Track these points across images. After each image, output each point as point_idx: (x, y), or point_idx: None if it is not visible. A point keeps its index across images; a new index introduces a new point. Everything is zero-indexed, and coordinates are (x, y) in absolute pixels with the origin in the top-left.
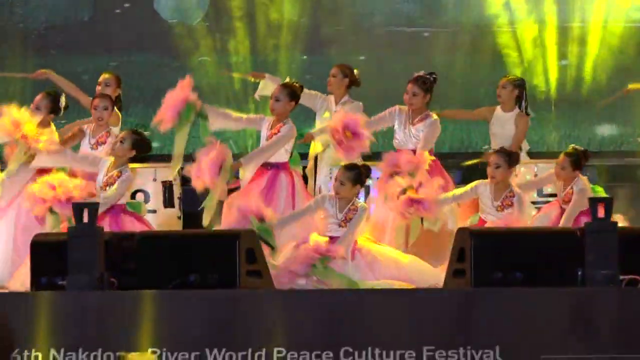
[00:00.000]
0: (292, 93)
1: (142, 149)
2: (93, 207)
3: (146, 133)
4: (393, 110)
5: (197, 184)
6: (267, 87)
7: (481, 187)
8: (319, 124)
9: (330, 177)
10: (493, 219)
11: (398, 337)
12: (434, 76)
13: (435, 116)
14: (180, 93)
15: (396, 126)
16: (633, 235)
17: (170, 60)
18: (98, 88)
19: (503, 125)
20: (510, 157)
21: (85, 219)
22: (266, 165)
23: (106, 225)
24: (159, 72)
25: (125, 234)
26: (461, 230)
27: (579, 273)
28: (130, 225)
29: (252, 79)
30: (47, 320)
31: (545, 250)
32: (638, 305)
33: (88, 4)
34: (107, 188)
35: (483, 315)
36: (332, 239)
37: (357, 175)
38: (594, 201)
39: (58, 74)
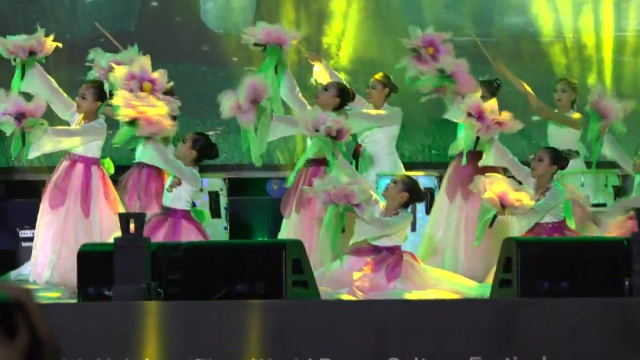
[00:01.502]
0: (342, 91)
1: (205, 151)
2: (140, 217)
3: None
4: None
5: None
6: (322, 74)
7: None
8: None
9: None
10: None
11: (444, 347)
12: (498, 82)
13: None
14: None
15: None
16: None
17: (217, 70)
18: None
19: (560, 128)
20: (556, 155)
21: (132, 229)
22: None
23: (164, 229)
24: (205, 82)
25: (172, 244)
26: (507, 240)
27: (626, 282)
28: (186, 234)
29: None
30: (94, 331)
31: (592, 260)
32: None
33: (134, 14)
34: None
35: (529, 326)
36: (377, 248)
37: (409, 185)
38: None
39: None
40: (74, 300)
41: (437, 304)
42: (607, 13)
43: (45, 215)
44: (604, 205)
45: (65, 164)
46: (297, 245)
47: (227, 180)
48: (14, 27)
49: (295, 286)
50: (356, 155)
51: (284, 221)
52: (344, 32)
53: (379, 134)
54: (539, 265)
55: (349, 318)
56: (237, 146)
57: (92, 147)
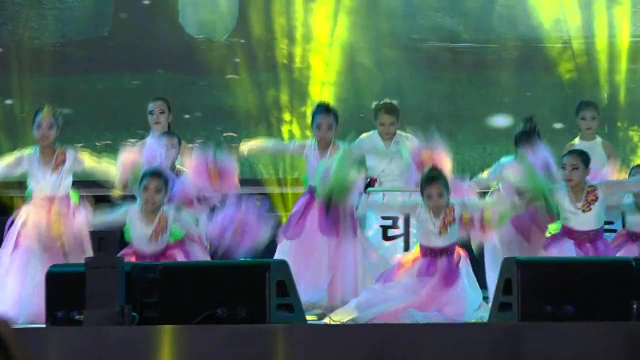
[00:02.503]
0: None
1: None
2: (112, 235)
3: None
4: None
5: None
6: None
7: (560, 193)
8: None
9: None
10: (579, 220)
11: None
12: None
13: None
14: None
15: None
16: None
17: (197, 79)
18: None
19: (592, 156)
20: (585, 157)
21: (104, 249)
22: None
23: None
24: (184, 91)
25: (148, 264)
26: (507, 260)
27: (634, 306)
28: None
29: None
30: (63, 358)
31: (598, 282)
32: None
33: (108, 18)
34: None
35: (531, 352)
36: (434, 251)
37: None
38: None
39: (76, 92)
40: (42, 325)
41: (433, 328)
42: (621, 17)
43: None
44: (611, 223)
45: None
46: (282, 266)
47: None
48: None
49: (280, 310)
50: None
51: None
52: (333, 39)
53: (396, 171)
54: (541, 287)
55: (337, 344)
56: None
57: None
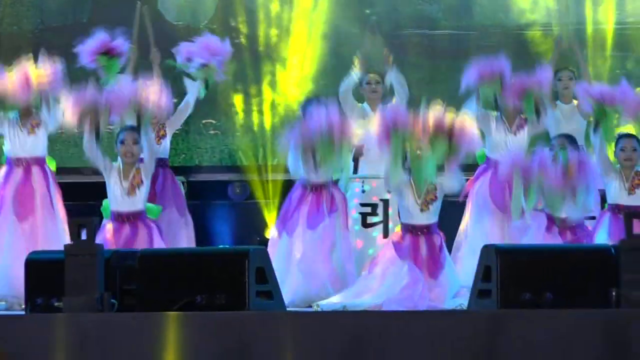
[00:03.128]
0: None
1: None
2: (92, 222)
3: None
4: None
5: None
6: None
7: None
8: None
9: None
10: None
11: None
12: None
13: None
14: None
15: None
16: None
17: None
18: None
19: (571, 118)
20: None
21: (84, 236)
22: None
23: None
24: (162, 76)
25: (128, 251)
26: (486, 248)
27: (613, 293)
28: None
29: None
30: (43, 345)
31: (577, 269)
32: None
33: (86, 4)
34: None
35: (510, 339)
36: (415, 228)
37: None
38: (628, 216)
39: None
40: (21, 312)
41: (412, 315)
42: (604, 4)
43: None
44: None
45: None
46: (262, 253)
47: (185, 184)
48: None
49: (259, 297)
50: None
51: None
52: (313, 25)
53: None
54: (520, 274)
55: (315, 330)
56: (196, 147)
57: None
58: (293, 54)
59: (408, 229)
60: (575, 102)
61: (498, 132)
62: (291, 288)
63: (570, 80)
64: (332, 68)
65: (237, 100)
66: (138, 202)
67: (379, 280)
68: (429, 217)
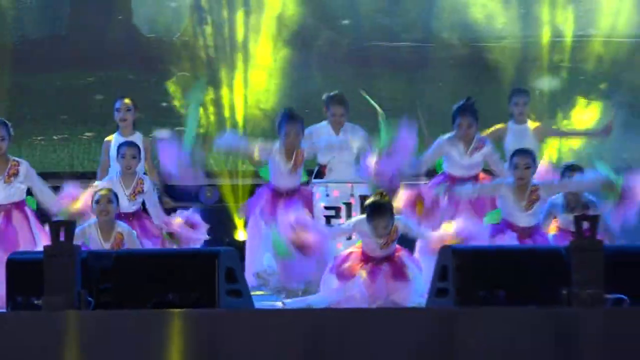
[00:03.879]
0: None
1: None
2: (70, 225)
3: None
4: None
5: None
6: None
7: (503, 188)
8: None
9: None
10: (520, 218)
11: (379, 356)
12: (472, 100)
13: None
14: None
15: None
16: (619, 254)
17: (148, 76)
18: (118, 114)
19: (523, 138)
20: (535, 157)
21: (62, 237)
22: None
23: None
24: (136, 87)
25: (103, 252)
26: (443, 248)
27: (564, 292)
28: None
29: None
30: (23, 341)
31: (529, 269)
32: (623, 325)
33: (64, 18)
34: None
35: (466, 335)
36: (375, 259)
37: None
38: (579, 219)
39: (35, 90)
40: (2, 310)
41: (372, 313)
42: (560, 17)
43: None
44: None
45: None
46: (231, 253)
47: (157, 189)
48: None
49: (229, 295)
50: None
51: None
52: (278, 35)
53: (348, 157)
54: (475, 273)
55: (283, 328)
56: None
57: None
58: (259, 64)
59: (368, 258)
60: (528, 122)
61: (457, 154)
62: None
63: (525, 105)
64: (297, 78)
65: (209, 109)
66: (136, 205)
67: (340, 280)
68: (388, 251)
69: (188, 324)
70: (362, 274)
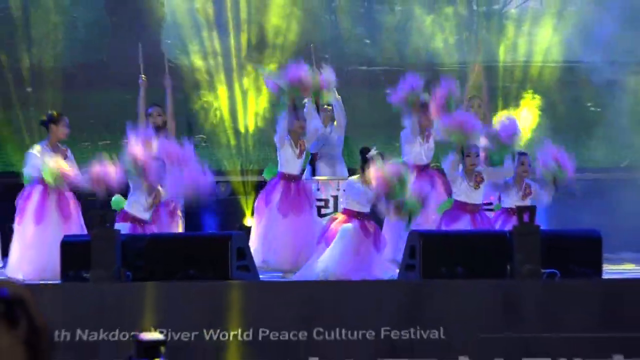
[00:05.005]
0: None
1: None
2: (111, 213)
3: None
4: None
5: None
6: None
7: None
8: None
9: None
10: (468, 197)
11: (360, 320)
12: None
13: None
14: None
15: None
16: (552, 236)
17: (176, 94)
18: (151, 118)
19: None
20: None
21: (105, 224)
22: None
23: None
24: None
25: (138, 236)
26: (412, 232)
27: (508, 267)
28: None
29: None
30: (75, 306)
31: (481, 249)
32: (556, 294)
33: (106, 47)
34: None
35: (430, 302)
36: (362, 214)
37: None
38: (520, 209)
39: (82, 104)
40: (58, 282)
41: (355, 284)
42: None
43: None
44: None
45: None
46: (241, 236)
47: None
48: None
49: (239, 270)
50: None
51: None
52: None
53: (333, 151)
54: (438, 252)
55: (282, 296)
56: None
57: None
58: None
59: (356, 214)
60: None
61: (415, 142)
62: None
63: (479, 107)
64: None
65: (225, 121)
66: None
67: (329, 249)
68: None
69: (206, 293)
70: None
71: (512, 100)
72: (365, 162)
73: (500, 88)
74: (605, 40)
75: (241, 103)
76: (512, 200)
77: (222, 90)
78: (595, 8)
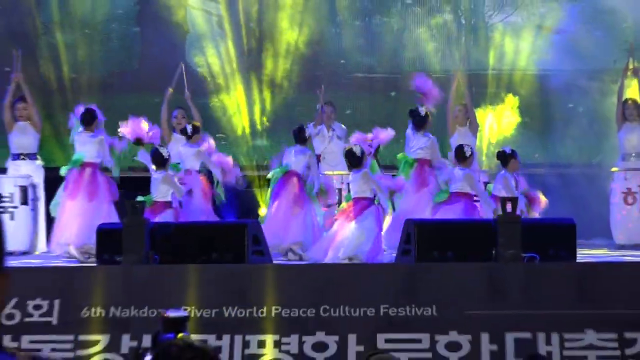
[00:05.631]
0: None
1: None
2: (141, 204)
3: None
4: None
5: None
6: None
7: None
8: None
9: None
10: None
11: (362, 298)
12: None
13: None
14: None
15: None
16: (532, 224)
17: (197, 98)
18: (175, 120)
19: (465, 137)
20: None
21: (136, 213)
22: None
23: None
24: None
25: (165, 223)
26: (408, 221)
27: (493, 252)
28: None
29: None
30: (109, 286)
31: (469, 236)
32: (535, 275)
33: (137, 56)
34: None
35: (423, 283)
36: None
37: None
38: (504, 200)
39: (116, 109)
40: (94, 264)
41: (358, 267)
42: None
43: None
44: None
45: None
46: (256, 224)
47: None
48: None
49: (254, 254)
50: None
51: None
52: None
53: (336, 148)
54: (430, 239)
55: (293, 277)
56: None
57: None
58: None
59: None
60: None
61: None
62: None
63: (464, 114)
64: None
65: (241, 121)
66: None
67: (337, 236)
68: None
69: (225, 274)
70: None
71: (497, 103)
72: (354, 157)
73: (488, 94)
74: (575, 50)
75: (257, 104)
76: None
77: (237, 92)
78: (568, 22)
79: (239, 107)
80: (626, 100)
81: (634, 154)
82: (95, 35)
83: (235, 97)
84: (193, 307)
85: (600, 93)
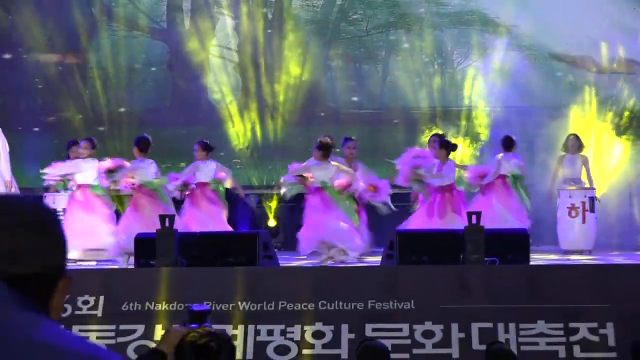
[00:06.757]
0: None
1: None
2: (171, 217)
3: None
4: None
5: None
6: None
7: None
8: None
9: None
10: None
11: (353, 293)
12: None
13: None
14: None
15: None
16: (493, 233)
17: (212, 128)
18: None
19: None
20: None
21: (167, 224)
22: None
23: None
24: (209, 137)
25: (191, 233)
26: (391, 231)
27: (461, 256)
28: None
29: None
30: (145, 285)
31: (441, 242)
32: (495, 275)
33: (169, 94)
34: None
35: (404, 282)
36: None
37: None
38: (470, 214)
39: (152, 138)
40: (132, 266)
41: (349, 268)
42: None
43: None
44: None
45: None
46: (266, 234)
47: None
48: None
49: (264, 259)
50: None
51: None
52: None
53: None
54: (410, 245)
55: (296, 277)
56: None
57: None
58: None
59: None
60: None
61: None
62: None
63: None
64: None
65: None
66: None
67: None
68: None
69: (240, 275)
70: None
71: (468, 135)
72: (328, 150)
73: (462, 126)
74: (531, 90)
75: (271, 131)
76: None
77: (249, 121)
78: (522, 64)
79: (249, 132)
80: (568, 135)
81: (572, 179)
82: (133, 75)
83: (246, 125)
84: (214, 302)
85: (547, 127)
